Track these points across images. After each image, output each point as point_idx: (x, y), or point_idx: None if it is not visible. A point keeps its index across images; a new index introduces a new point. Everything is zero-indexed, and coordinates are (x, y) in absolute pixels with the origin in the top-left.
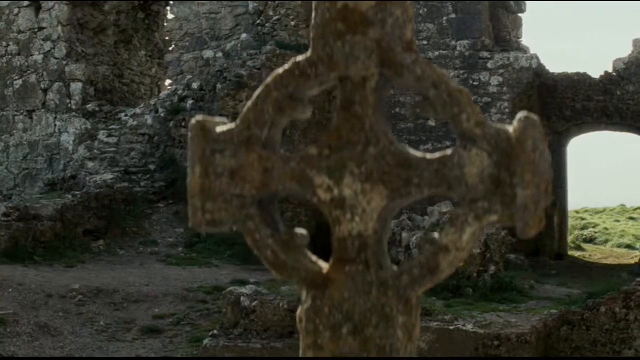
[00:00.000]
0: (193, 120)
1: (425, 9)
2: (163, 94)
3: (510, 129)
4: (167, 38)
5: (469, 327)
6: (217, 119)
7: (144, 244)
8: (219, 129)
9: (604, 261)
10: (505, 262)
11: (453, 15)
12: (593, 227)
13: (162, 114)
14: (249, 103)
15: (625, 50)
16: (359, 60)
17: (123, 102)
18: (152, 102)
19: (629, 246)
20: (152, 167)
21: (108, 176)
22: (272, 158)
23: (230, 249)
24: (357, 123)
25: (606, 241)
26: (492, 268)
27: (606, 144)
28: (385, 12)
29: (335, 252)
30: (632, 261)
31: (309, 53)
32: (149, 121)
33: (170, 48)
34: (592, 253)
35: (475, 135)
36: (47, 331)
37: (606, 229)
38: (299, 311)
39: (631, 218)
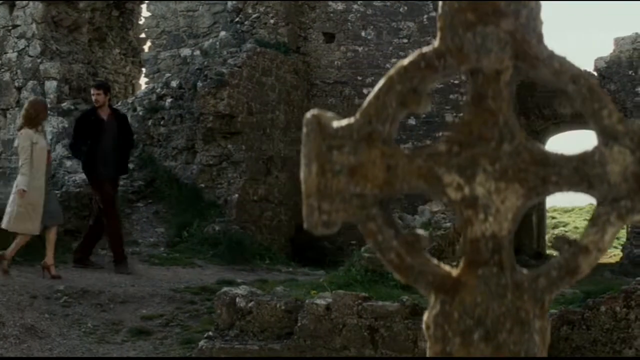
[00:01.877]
0: (308, 115)
1: (406, 7)
2: (141, 92)
3: None
4: (143, 36)
5: None
6: (330, 114)
7: (125, 244)
8: (336, 124)
9: None
10: None
11: (434, 14)
12: (564, 226)
13: (140, 113)
14: (370, 96)
15: (606, 50)
16: (492, 52)
17: None
18: (129, 100)
19: None
20: (130, 166)
21: None
22: (396, 155)
23: (213, 249)
24: (491, 118)
25: None
26: None
27: (584, 143)
28: (519, 3)
29: (467, 254)
30: (613, 260)
31: (436, 44)
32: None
33: (147, 46)
34: None
35: (617, 132)
36: (34, 333)
37: (577, 227)
38: (425, 317)
39: None
